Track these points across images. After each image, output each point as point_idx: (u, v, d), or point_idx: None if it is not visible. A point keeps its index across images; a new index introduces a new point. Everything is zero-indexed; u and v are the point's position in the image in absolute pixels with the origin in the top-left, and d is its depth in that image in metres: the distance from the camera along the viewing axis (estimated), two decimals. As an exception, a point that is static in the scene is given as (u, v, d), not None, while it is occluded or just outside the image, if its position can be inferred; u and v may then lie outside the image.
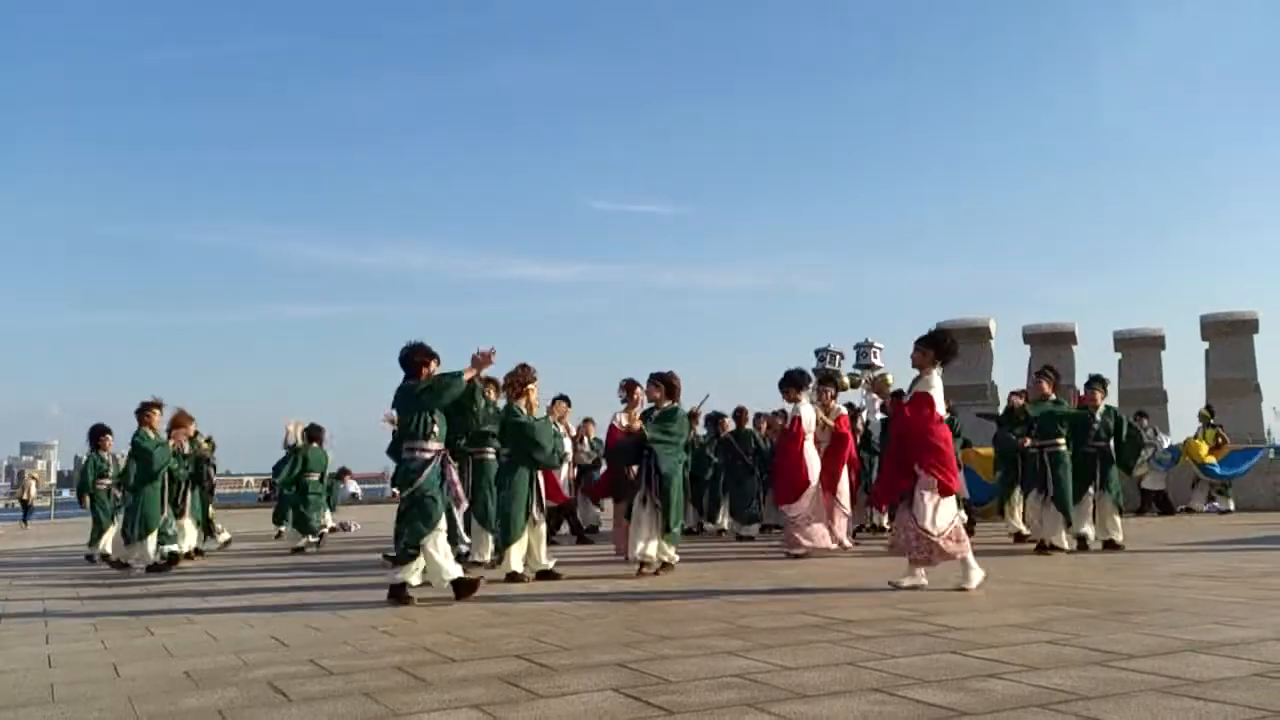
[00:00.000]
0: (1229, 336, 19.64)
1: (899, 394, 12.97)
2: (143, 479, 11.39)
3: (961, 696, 4.01)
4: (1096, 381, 11.43)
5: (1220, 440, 17.29)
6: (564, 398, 12.71)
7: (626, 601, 7.37)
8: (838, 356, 12.86)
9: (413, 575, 7.65)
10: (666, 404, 9.56)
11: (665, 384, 9.56)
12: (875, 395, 14.20)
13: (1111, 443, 11.06)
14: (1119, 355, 20.58)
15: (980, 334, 20.11)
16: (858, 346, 15.15)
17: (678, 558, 9.52)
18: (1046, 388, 10.92)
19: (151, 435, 11.61)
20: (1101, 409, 11.19)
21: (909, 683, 4.27)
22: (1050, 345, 20.19)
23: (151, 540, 11.37)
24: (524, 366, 9.44)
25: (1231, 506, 16.84)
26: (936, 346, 8.08)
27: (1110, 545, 10.67)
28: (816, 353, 13.69)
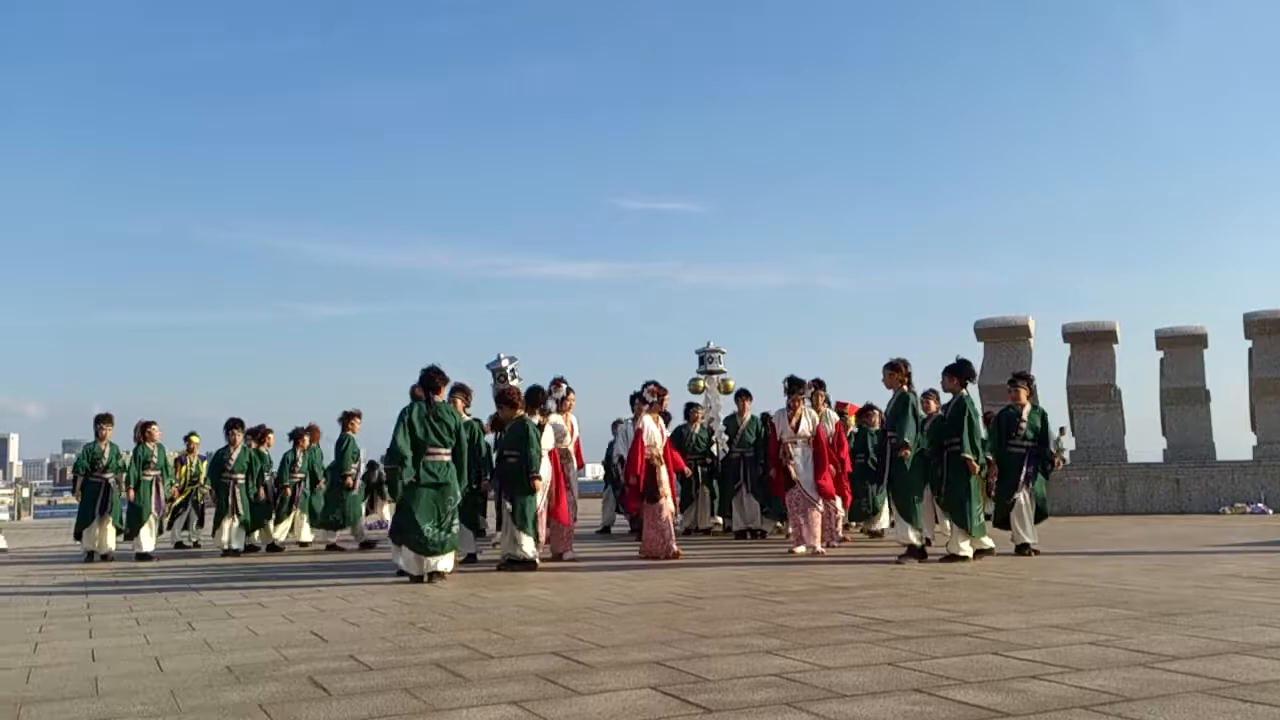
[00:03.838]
0: (1273, 335, 19.30)
1: (744, 393, 14.26)
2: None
3: (1003, 698, 3.96)
4: (1020, 379, 11.00)
5: None
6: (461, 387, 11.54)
7: (663, 600, 7.37)
8: (509, 373, 12.72)
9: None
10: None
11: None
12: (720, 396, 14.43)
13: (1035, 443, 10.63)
14: (1161, 353, 20.30)
15: (1019, 332, 19.92)
16: (699, 351, 15.24)
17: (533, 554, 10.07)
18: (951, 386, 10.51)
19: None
20: (1028, 408, 10.75)
21: (949, 683, 4.23)
22: (1091, 344, 19.96)
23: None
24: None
25: None
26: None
27: (1022, 549, 10.31)
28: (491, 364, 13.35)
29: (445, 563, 9.06)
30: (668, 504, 11.22)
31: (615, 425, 15.71)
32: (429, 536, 8.89)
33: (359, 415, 14.09)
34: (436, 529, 8.94)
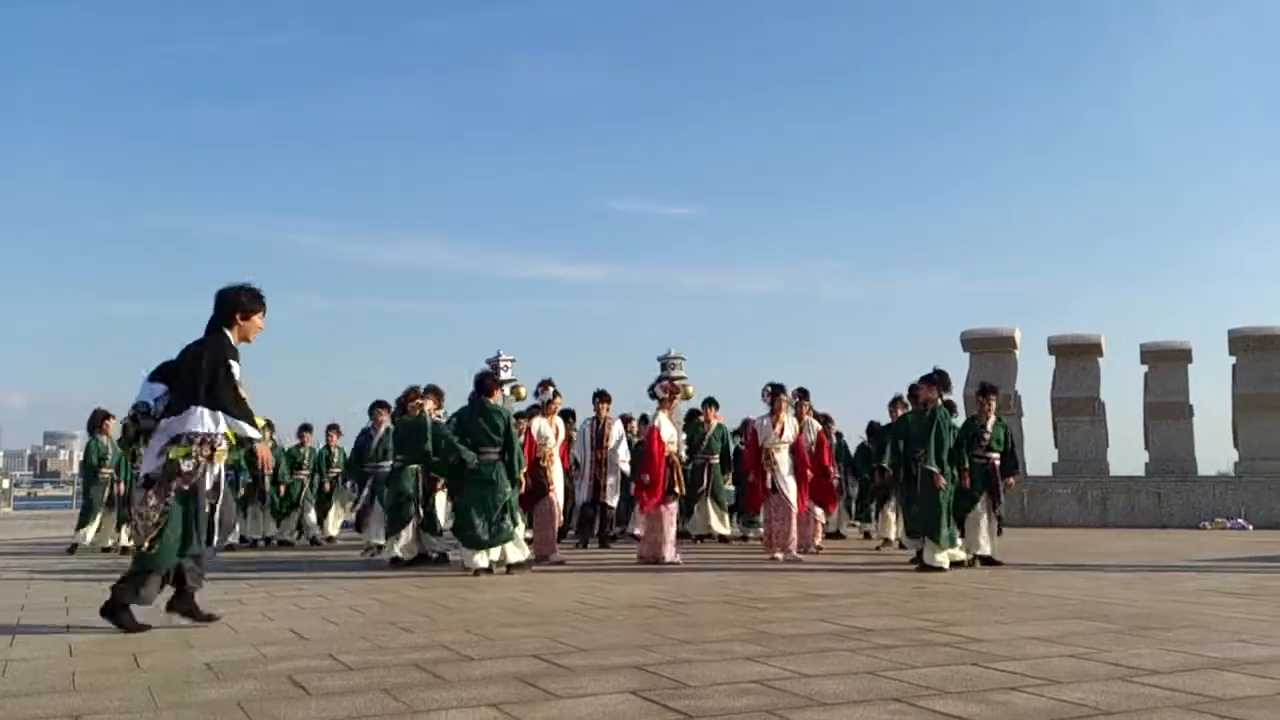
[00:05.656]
0: (1256, 351, 19.41)
1: (710, 401, 14.61)
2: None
3: (982, 709, 3.97)
4: (989, 391, 11.00)
5: None
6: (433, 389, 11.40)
7: (644, 605, 7.36)
8: (502, 369, 12.96)
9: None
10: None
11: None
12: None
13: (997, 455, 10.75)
14: (1145, 368, 20.39)
15: (1005, 344, 20.00)
16: (660, 358, 15.39)
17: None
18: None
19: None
20: (993, 420, 10.77)
21: (929, 694, 4.24)
22: (1076, 356, 20.04)
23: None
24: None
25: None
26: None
27: (987, 561, 10.37)
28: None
29: (515, 554, 9.71)
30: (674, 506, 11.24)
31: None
32: (479, 532, 9.52)
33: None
34: (486, 524, 9.54)
